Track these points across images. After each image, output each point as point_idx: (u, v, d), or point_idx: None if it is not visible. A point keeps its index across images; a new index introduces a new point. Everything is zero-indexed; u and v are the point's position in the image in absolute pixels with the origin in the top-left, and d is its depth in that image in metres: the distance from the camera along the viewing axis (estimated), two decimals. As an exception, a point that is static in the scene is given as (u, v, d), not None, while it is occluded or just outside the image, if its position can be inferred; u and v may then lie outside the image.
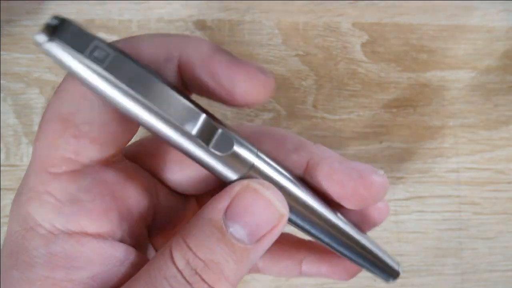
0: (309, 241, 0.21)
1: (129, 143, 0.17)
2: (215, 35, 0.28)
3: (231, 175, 0.15)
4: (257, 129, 0.18)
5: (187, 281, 0.14)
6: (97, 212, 0.15)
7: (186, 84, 0.15)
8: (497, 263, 0.28)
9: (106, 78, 0.13)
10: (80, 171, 0.15)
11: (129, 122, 0.15)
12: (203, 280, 0.14)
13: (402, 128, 0.28)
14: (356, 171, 0.16)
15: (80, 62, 0.13)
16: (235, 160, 0.14)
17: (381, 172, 0.16)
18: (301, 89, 0.28)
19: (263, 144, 0.16)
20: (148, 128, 0.14)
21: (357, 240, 0.17)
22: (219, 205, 0.14)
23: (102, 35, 0.28)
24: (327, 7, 0.29)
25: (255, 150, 0.15)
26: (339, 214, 0.17)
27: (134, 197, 0.17)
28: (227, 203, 0.14)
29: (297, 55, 0.28)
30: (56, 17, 0.12)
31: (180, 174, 0.18)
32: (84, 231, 0.15)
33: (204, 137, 0.14)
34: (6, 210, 0.26)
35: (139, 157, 0.18)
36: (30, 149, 0.27)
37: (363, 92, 0.28)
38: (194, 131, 0.14)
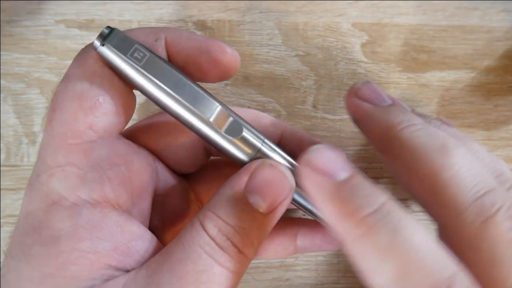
0: (299, 218, 0.23)
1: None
2: (215, 35, 0.28)
3: (242, 156, 0.18)
4: (239, 110, 0.20)
5: (220, 247, 0.15)
6: (117, 180, 0.16)
7: (172, 60, 0.18)
8: (497, 263, 0.28)
9: (143, 74, 0.16)
10: (97, 141, 0.16)
11: (130, 100, 0.18)
12: (233, 244, 0.15)
13: (402, 128, 0.28)
14: (315, 144, 0.19)
15: (124, 61, 0.16)
16: (245, 144, 0.18)
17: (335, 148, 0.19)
18: (301, 89, 0.28)
19: (245, 118, 0.19)
20: (174, 115, 0.17)
21: None
22: (239, 180, 0.17)
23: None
24: (327, 7, 0.29)
25: (262, 136, 0.18)
26: None
27: (141, 170, 0.18)
28: (246, 178, 0.16)
29: (297, 55, 0.28)
30: (107, 27, 0.16)
31: (175, 147, 0.20)
32: (107, 199, 0.16)
33: (219, 123, 0.17)
34: (6, 210, 0.26)
35: (137, 136, 0.20)
36: (31, 149, 0.27)
37: (363, 92, 0.28)
38: (212, 118, 0.17)
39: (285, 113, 0.28)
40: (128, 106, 0.17)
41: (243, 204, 0.16)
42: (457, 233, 0.14)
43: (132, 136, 0.19)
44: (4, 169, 0.27)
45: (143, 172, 0.18)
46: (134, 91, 0.18)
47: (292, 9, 0.28)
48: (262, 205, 0.16)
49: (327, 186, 0.14)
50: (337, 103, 0.28)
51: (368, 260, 0.13)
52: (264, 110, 0.28)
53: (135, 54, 0.16)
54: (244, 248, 0.16)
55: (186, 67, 0.18)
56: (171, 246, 0.16)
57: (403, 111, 0.18)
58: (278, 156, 0.18)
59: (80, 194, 0.15)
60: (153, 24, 0.28)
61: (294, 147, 0.20)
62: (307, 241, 0.21)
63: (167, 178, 0.20)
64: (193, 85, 0.17)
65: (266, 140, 0.18)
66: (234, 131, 0.17)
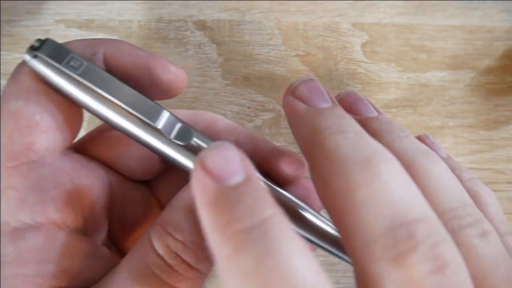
0: None
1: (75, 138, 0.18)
2: (215, 35, 0.28)
3: (191, 164, 0.16)
4: (191, 113, 0.19)
5: (169, 265, 0.14)
6: (61, 199, 0.16)
7: (110, 73, 0.17)
8: (497, 263, 0.28)
9: (80, 83, 0.15)
10: (38, 161, 0.15)
11: (74, 115, 0.17)
12: (184, 261, 0.14)
13: (402, 128, 0.28)
14: (277, 150, 0.18)
15: (59, 71, 0.15)
16: (195, 151, 0.16)
17: (294, 153, 0.18)
18: (301, 89, 0.28)
19: (198, 125, 0.18)
20: (118, 126, 0.16)
21: (315, 222, 0.18)
22: (189, 192, 0.15)
23: (102, 35, 0.28)
24: (327, 7, 0.29)
25: (211, 141, 0.17)
26: (292, 197, 0.18)
27: (92, 185, 0.17)
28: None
29: (297, 55, 0.28)
30: (37, 40, 0.15)
31: (126, 156, 0.19)
32: (51, 220, 0.15)
33: (167, 130, 0.16)
34: (6, 210, 0.26)
35: (86, 148, 0.19)
36: (30, 149, 0.27)
37: (363, 92, 0.28)
38: (160, 125, 0.16)
39: (285, 113, 0.28)
40: (72, 120, 0.16)
41: (193, 215, 0.14)
42: (361, 271, 0.12)
43: (82, 148, 0.19)
44: (4, 169, 0.27)
45: (93, 187, 0.17)
46: None
47: (292, 9, 0.28)
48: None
49: (211, 190, 0.11)
50: (337, 103, 0.28)
51: (229, 285, 0.11)
52: (264, 110, 0.28)
53: (71, 63, 0.15)
54: (196, 263, 0.14)
55: (126, 82, 0.17)
56: (120, 265, 0.15)
57: (339, 116, 0.15)
58: None
59: (22, 217, 0.15)
60: (153, 24, 0.28)
61: (249, 154, 0.18)
62: None
63: (124, 188, 0.19)
64: (135, 92, 0.16)
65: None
66: (183, 137, 0.16)
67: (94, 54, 0.16)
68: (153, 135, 0.16)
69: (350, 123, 0.14)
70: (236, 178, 0.12)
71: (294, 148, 0.27)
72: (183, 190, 0.16)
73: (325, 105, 0.16)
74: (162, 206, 0.21)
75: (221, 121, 0.20)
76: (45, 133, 0.15)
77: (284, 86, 0.28)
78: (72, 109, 0.16)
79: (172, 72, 0.17)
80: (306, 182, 0.19)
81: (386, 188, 0.12)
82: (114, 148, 0.19)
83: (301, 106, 0.16)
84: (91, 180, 0.17)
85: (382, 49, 0.28)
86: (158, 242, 0.14)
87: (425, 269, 0.11)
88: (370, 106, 0.17)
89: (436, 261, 0.11)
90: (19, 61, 0.30)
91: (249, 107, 0.28)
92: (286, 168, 0.18)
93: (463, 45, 0.29)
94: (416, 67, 0.28)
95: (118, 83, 0.16)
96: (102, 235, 0.18)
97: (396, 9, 0.29)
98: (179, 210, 0.15)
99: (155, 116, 0.16)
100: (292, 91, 0.16)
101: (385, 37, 0.28)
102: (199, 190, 0.12)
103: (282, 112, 0.28)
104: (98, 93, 0.15)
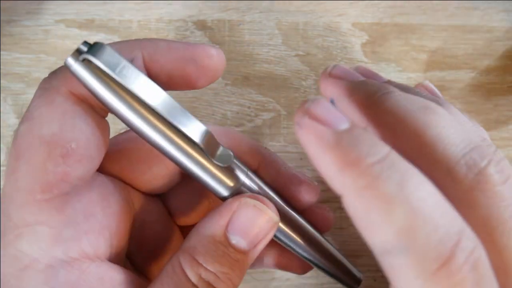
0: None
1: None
2: (215, 35, 0.28)
3: (222, 189, 0.16)
4: (216, 129, 0.18)
5: None
6: (94, 232, 0.15)
7: (153, 77, 0.16)
8: (497, 263, 0.28)
9: (133, 96, 0.14)
10: (71, 193, 0.15)
11: (105, 135, 0.16)
12: None
13: (402, 128, 0.28)
14: (297, 178, 0.19)
15: (109, 81, 0.14)
16: (229, 175, 0.16)
17: (314, 182, 0.19)
18: (301, 89, 0.28)
19: (222, 143, 0.18)
20: (156, 143, 0.15)
21: (327, 249, 0.19)
22: (220, 221, 0.16)
23: (102, 35, 0.28)
24: (327, 7, 0.29)
25: (245, 168, 0.17)
26: (308, 225, 0.19)
27: (118, 212, 0.17)
28: (228, 218, 0.16)
29: (297, 55, 0.28)
30: (85, 42, 0.14)
31: (148, 173, 0.18)
32: (84, 254, 0.15)
33: (210, 149, 0.16)
34: (6, 210, 0.26)
35: (107, 165, 0.18)
36: (30, 149, 0.27)
37: (363, 92, 0.28)
38: (203, 145, 0.15)
39: (285, 113, 0.28)
40: (103, 145, 0.16)
41: (224, 247, 0.15)
42: (450, 189, 0.13)
43: (103, 167, 0.18)
44: (4, 169, 0.27)
45: (120, 213, 0.17)
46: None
47: (292, 9, 0.28)
48: (243, 245, 0.16)
49: (327, 135, 0.12)
50: (337, 103, 0.28)
51: (372, 214, 0.12)
52: (264, 110, 0.28)
53: (125, 72, 0.14)
54: None
55: (172, 79, 0.16)
56: None
57: (378, 82, 0.17)
58: (263, 187, 0.18)
59: (55, 254, 0.14)
60: (153, 24, 0.28)
61: (269, 178, 0.19)
62: (272, 262, 0.21)
63: (143, 204, 0.19)
64: (183, 109, 0.15)
65: (249, 173, 0.17)
66: (223, 159, 0.16)
67: (132, 58, 0.15)
68: (195, 154, 0.15)
69: (390, 86, 0.16)
70: (344, 124, 0.13)
71: (294, 148, 0.27)
72: (210, 218, 0.16)
73: (362, 78, 0.18)
74: (176, 218, 0.21)
75: (245, 141, 0.19)
76: (80, 162, 0.14)
77: (284, 86, 0.28)
78: (104, 131, 0.16)
79: (215, 56, 0.16)
80: (317, 208, 0.20)
81: (448, 125, 0.14)
82: (136, 165, 0.18)
83: (343, 82, 0.17)
84: (119, 205, 0.17)
85: (382, 49, 0.28)
86: (191, 271, 0.15)
87: (501, 178, 0.13)
88: (357, 73, 0.19)
89: (503, 173, 0.13)
90: (19, 61, 0.30)
91: (249, 107, 0.28)
92: (305, 196, 0.19)
93: (463, 45, 0.29)
94: (416, 67, 0.28)
95: (168, 98, 0.15)
96: (123, 257, 0.18)
97: (396, 9, 0.29)
98: (208, 241, 0.15)
99: (201, 136, 0.15)
100: (328, 74, 0.18)
101: (385, 37, 0.29)
102: (315, 137, 0.13)
103: (282, 112, 0.28)
104: (151, 110, 0.14)
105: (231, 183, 0.16)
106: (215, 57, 0.16)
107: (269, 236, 0.17)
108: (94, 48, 0.14)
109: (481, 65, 0.29)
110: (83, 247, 0.15)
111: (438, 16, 0.29)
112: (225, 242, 0.15)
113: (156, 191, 0.20)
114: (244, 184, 0.17)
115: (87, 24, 0.28)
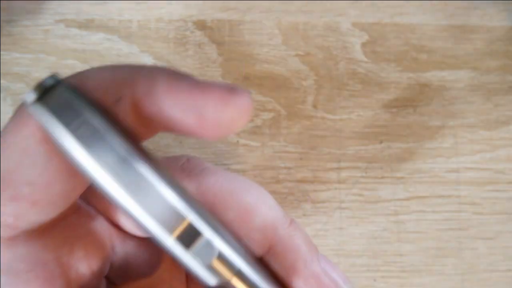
0: None
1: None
2: (215, 35, 0.28)
3: (207, 280, 0.13)
4: (229, 187, 0.15)
5: None
6: (37, 283, 0.13)
7: (145, 123, 0.13)
8: (497, 263, 0.28)
9: (87, 158, 0.11)
10: (18, 237, 0.13)
11: (79, 178, 0.13)
12: None
13: (402, 128, 0.28)
14: (316, 280, 0.15)
15: (65, 135, 0.11)
16: (217, 267, 0.13)
17: (349, 286, 0.15)
18: (301, 89, 0.28)
19: (228, 211, 0.14)
20: (125, 213, 0.12)
21: None
22: None
23: (102, 35, 0.28)
24: (327, 7, 0.29)
25: (237, 266, 0.13)
26: None
27: (84, 258, 0.15)
28: None
29: (297, 55, 0.28)
30: (52, 76, 0.12)
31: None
32: None
33: (185, 241, 0.12)
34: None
35: (93, 199, 0.16)
36: (30, 149, 0.27)
37: (363, 92, 0.28)
38: (174, 235, 0.12)
39: (285, 113, 0.28)
40: (74, 188, 0.13)
41: None
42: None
43: (87, 198, 0.16)
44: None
45: (85, 261, 0.15)
46: None
47: (292, 9, 0.28)
48: None
49: None
50: (337, 103, 0.28)
51: None
52: (264, 110, 0.28)
53: (81, 129, 0.11)
54: None
55: (167, 127, 0.13)
56: None
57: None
58: (256, 281, 0.14)
59: None
60: (153, 24, 0.28)
61: (279, 271, 0.15)
62: None
63: (128, 246, 0.17)
64: (155, 180, 0.12)
65: (241, 270, 0.13)
66: (203, 253, 0.13)
67: (118, 99, 0.12)
68: (166, 244, 0.12)
69: None
70: None
71: (293, 148, 0.27)
72: None
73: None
74: (166, 259, 0.19)
75: (260, 213, 0.15)
76: (33, 207, 0.13)
77: (284, 86, 0.28)
78: (76, 174, 0.13)
79: (233, 106, 0.12)
80: None
81: None
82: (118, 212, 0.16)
83: None
84: (87, 252, 0.15)
85: (382, 49, 0.28)
86: None
87: None
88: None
89: None
90: (19, 61, 0.30)
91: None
92: None
93: (463, 45, 0.29)
94: (416, 67, 0.28)
95: (130, 166, 0.12)
96: None
97: (396, 9, 0.29)
98: None
99: (175, 222, 0.12)
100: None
101: (385, 37, 0.28)
102: None
103: (282, 112, 0.28)
104: (106, 178, 0.12)
105: (211, 280, 0.13)
106: (231, 110, 0.12)
107: None
108: (53, 87, 0.11)
109: (481, 65, 0.29)
110: None
111: (438, 16, 0.29)
112: None
113: (146, 235, 0.17)
114: (229, 284, 0.14)
115: (87, 24, 0.28)
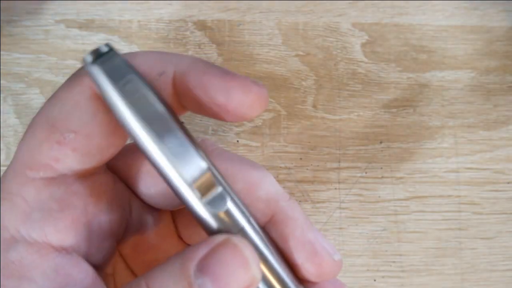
0: None
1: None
2: (215, 35, 0.28)
3: (216, 230, 0.15)
4: (236, 163, 0.17)
5: None
6: (64, 223, 0.15)
7: (181, 99, 0.15)
8: (497, 263, 0.28)
9: (128, 110, 0.14)
10: (56, 179, 0.15)
11: (116, 138, 0.15)
12: None
13: (402, 128, 0.28)
14: (312, 246, 0.16)
15: (112, 89, 0.14)
16: (224, 220, 0.14)
17: (337, 256, 0.16)
18: (301, 89, 0.28)
19: (237, 182, 0.16)
20: (152, 163, 0.14)
21: None
22: (193, 253, 0.14)
23: (102, 35, 0.28)
24: (327, 7, 0.29)
25: (247, 216, 0.15)
26: None
27: (106, 213, 0.16)
28: (203, 253, 0.14)
29: (297, 55, 0.28)
30: (107, 45, 0.14)
31: (154, 188, 0.17)
32: (47, 241, 0.15)
33: (202, 190, 0.14)
34: (7, 210, 0.26)
35: (117, 167, 0.18)
36: (31, 149, 0.27)
37: (363, 92, 0.28)
38: (195, 183, 0.14)
39: (285, 113, 0.28)
40: (109, 146, 0.15)
41: (186, 284, 0.13)
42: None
43: (112, 165, 0.17)
44: (4, 169, 0.27)
45: (107, 215, 0.16)
46: None
47: (292, 9, 0.28)
48: None
49: None
50: (337, 103, 0.28)
51: None
52: (264, 110, 0.28)
53: (128, 86, 0.14)
54: None
55: (199, 105, 0.15)
56: None
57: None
58: (261, 244, 0.15)
59: (20, 229, 0.14)
60: (153, 24, 0.28)
61: (279, 238, 0.17)
62: None
63: (143, 213, 0.19)
64: (185, 140, 0.14)
65: (251, 219, 0.15)
66: (216, 203, 0.14)
67: (161, 73, 0.15)
68: (185, 190, 0.14)
69: None
70: None
71: (293, 148, 0.27)
72: (187, 249, 0.14)
73: None
74: (179, 232, 0.20)
75: (264, 186, 0.17)
76: (74, 154, 0.14)
77: (284, 86, 0.28)
78: (115, 133, 0.15)
79: (253, 92, 0.14)
80: (329, 285, 0.17)
81: None
82: (143, 177, 0.17)
83: None
84: (108, 208, 0.16)
85: (382, 49, 0.28)
86: None
87: None
88: None
89: None
90: (19, 61, 0.30)
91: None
92: (313, 271, 0.16)
93: (463, 45, 0.29)
94: (416, 67, 0.28)
95: (168, 122, 0.14)
96: (105, 259, 0.17)
97: (396, 9, 0.29)
98: (172, 271, 0.14)
99: (195, 172, 0.14)
100: None
101: (385, 37, 0.29)
102: None
103: (282, 112, 0.28)
104: (142, 128, 0.14)
105: (223, 228, 0.14)
106: (252, 95, 0.14)
107: None
108: (106, 54, 0.14)
109: (481, 65, 0.29)
110: (46, 234, 0.15)
111: (438, 16, 0.29)
112: (189, 278, 0.13)
113: (161, 207, 0.19)
114: (242, 232, 0.15)
115: (87, 24, 0.28)
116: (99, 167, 0.16)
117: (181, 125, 0.14)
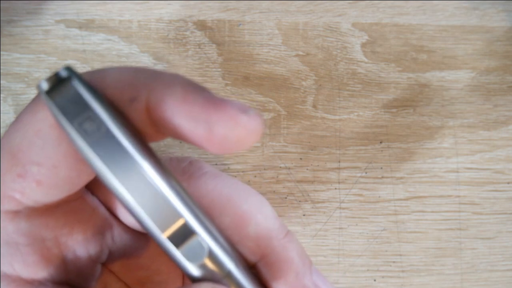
0: None
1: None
2: (215, 35, 0.28)
3: (199, 277, 0.13)
4: (226, 194, 0.15)
5: None
6: (33, 257, 0.14)
7: (156, 126, 0.13)
8: (497, 263, 0.28)
9: (89, 152, 0.12)
10: (22, 212, 0.14)
11: (86, 167, 0.14)
12: None
13: (402, 128, 0.28)
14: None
15: (69, 127, 0.12)
16: (206, 267, 0.13)
17: None
18: (301, 89, 0.28)
19: (224, 217, 0.15)
20: (120, 203, 0.13)
21: None
22: None
23: (102, 35, 0.28)
24: (327, 7, 0.29)
25: (234, 259, 0.14)
26: None
27: (83, 241, 0.15)
28: None
29: (297, 55, 0.28)
30: (67, 68, 0.12)
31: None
32: (18, 275, 0.14)
33: (176, 241, 0.13)
34: (7, 210, 0.26)
35: (97, 190, 0.16)
36: (31, 149, 0.27)
37: (363, 92, 0.28)
38: (167, 233, 0.13)
39: (285, 113, 0.28)
40: (79, 175, 0.14)
41: None
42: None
43: (93, 188, 0.16)
44: (4, 169, 0.27)
45: (84, 243, 0.15)
46: None
47: (292, 9, 0.28)
48: None
49: None
50: (337, 103, 0.28)
51: None
52: (264, 110, 0.28)
53: (86, 125, 0.12)
54: None
55: (176, 134, 0.13)
56: None
57: None
58: (245, 284, 0.14)
59: None
60: (153, 24, 0.28)
61: (271, 279, 0.15)
62: None
63: (127, 239, 0.17)
64: (153, 180, 0.12)
65: (232, 271, 0.14)
66: (193, 254, 0.13)
67: (133, 99, 0.13)
68: (158, 240, 0.13)
69: None
70: None
71: (293, 148, 0.27)
72: None
73: None
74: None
75: (256, 221, 0.15)
76: (39, 187, 0.13)
77: (284, 86, 0.28)
78: (84, 162, 0.14)
79: (241, 126, 0.12)
80: None
81: None
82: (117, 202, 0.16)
83: None
84: (85, 236, 0.15)
85: (382, 49, 0.28)
86: None
87: None
88: None
89: None
90: (19, 61, 0.30)
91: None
92: None
93: (463, 45, 0.29)
94: (416, 67, 0.28)
95: (136, 165, 0.12)
96: (94, 278, 0.16)
97: (396, 9, 0.29)
98: None
99: (168, 221, 0.13)
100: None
101: (385, 37, 0.29)
102: None
103: (282, 112, 0.28)
104: (105, 171, 0.12)
105: (203, 275, 0.13)
106: (240, 128, 0.12)
107: None
108: (66, 80, 0.12)
109: (481, 65, 0.29)
110: (16, 269, 0.14)
111: (438, 16, 0.29)
112: None
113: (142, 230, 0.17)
114: (222, 282, 0.14)
115: (87, 24, 0.28)
116: (72, 195, 0.15)
117: (154, 160, 0.13)
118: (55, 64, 0.27)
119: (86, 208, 0.16)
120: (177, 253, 0.13)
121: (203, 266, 0.13)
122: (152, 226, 0.13)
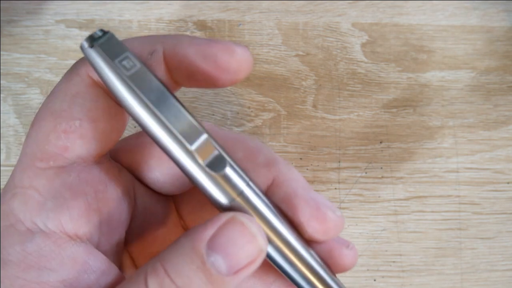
0: None
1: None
2: (215, 35, 0.28)
3: (219, 197, 0.15)
4: (234, 136, 0.18)
5: None
6: (78, 210, 0.15)
7: (173, 74, 0.16)
8: (497, 263, 0.28)
9: (127, 84, 0.14)
10: (66, 168, 0.15)
11: (117, 122, 0.16)
12: None
13: (402, 128, 0.28)
14: (315, 202, 0.17)
15: (110, 67, 0.14)
16: (226, 183, 0.15)
17: (338, 212, 0.17)
18: (301, 89, 0.28)
19: (236, 152, 0.17)
20: (152, 136, 0.15)
21: (329, 284, 0.17)
22: (203, 233, 0.14)
23: (102, 35, 0.28)
24: (327, 7, 0.29)
25: (247, 179, 0.16)
26: (313, 252, 0.17)
27: (115, 199, 0.17)
28: (212, 232, 0.14)
29: (297, 55, 0.28)
30: (100, 30, 0.15)
31: (158, 170, 0.18)
32: (63, 229, 0.15)
33: (201, 154, 0.15)
34: (7, 210, 0.26)
35: (120, 155, 0.18)
36: (31, 149, 0.27)
37: (363, 92, 0.28)
38: (194, 146, 0.15)
39: (285, 113, 0.28)
40: (112, 131, 0.16)
41: (200, 262, 0.14)
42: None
43: (116, 155, 0.18)
44: (4, 169, 0.27)
45: (116, 202, 0.17)
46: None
47: (292, 9, 0.28)
48: (222, 267, 0.14)
49: None
50: (337, 103, 0.28)
51: None
52: (264, 110, 0.28)
53: (124, 62, 0.14)
54: None
55: (191, 76, 0.16)
56: None
57: None
58: (262, 205, 0.16)
59: (36, 221, 0.15)
60: (153, 24, 0.28)
61: (282, 199, 0.17)
62: None
63: (148, 202, 0.19)
64: (181, 108, 0.15)
65: (250, 183, 0.16)
66: (216, 165, 0.15)
67: (152, 52, 0.15)
68: (185, 156, 0.15)
69: None
70: None
71: (293, 148, 0.27)
72: (195, 229, 0.15)
73: None
74: (184, 222, 0.21)
75: (263, 153, 0.18)
76: (82, 140, 0.15)
77: (284, 86, 0.28)
78: (116, 117, 0.16)
79: (238, 54, 0.15)
80: (334, 243, 0.18)
81: None
82: (147, 160, 0.18)
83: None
84: (116, 195, 0.17)
85: (382, 49, 0.28)
86: (155, 283, 0.14)
87: None
88: None
89: None
90: (19, 61, 0.30)
91: (249, 107, 0.28)
92: (316, 227, 0.17)
93: (463, 45, 0.29)
94: (416, 67, 0.28)
95: (164, 93, 0.15)
96: (115, 249, 0.18)
97: (396, 9, 0.29)
98: (185, 251, 0.14)
99: (191, 135, 0.15)
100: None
101: (385, 37, 0.29)
102: None
103: (282, 112, 0.28)
104: (141, 99, 0.14)
105: (226, 192, 0.15)
106: (237, 56, 0.15)
107: (254, 266, 0.15)
108: (101, 37, 0.15)
109: (481, 65, 0.29)
110: (62, 223, 0.15)
111: (438, 16, 0.29)
112: (202, 257, 0.14)
113: (166, 191, 0.19)
114: (243, 194, 0.15)
115: (87, 24, 0.28)
116: (104, 155, 0.17)
117: (177, 98, 0.15)
118: (56, 64, 0.27)
119: (114, 169, 0.17)
120: (201, 165, 0.15)
121: (221, 181, 0.15)
122: (179, 143, 0.15)
